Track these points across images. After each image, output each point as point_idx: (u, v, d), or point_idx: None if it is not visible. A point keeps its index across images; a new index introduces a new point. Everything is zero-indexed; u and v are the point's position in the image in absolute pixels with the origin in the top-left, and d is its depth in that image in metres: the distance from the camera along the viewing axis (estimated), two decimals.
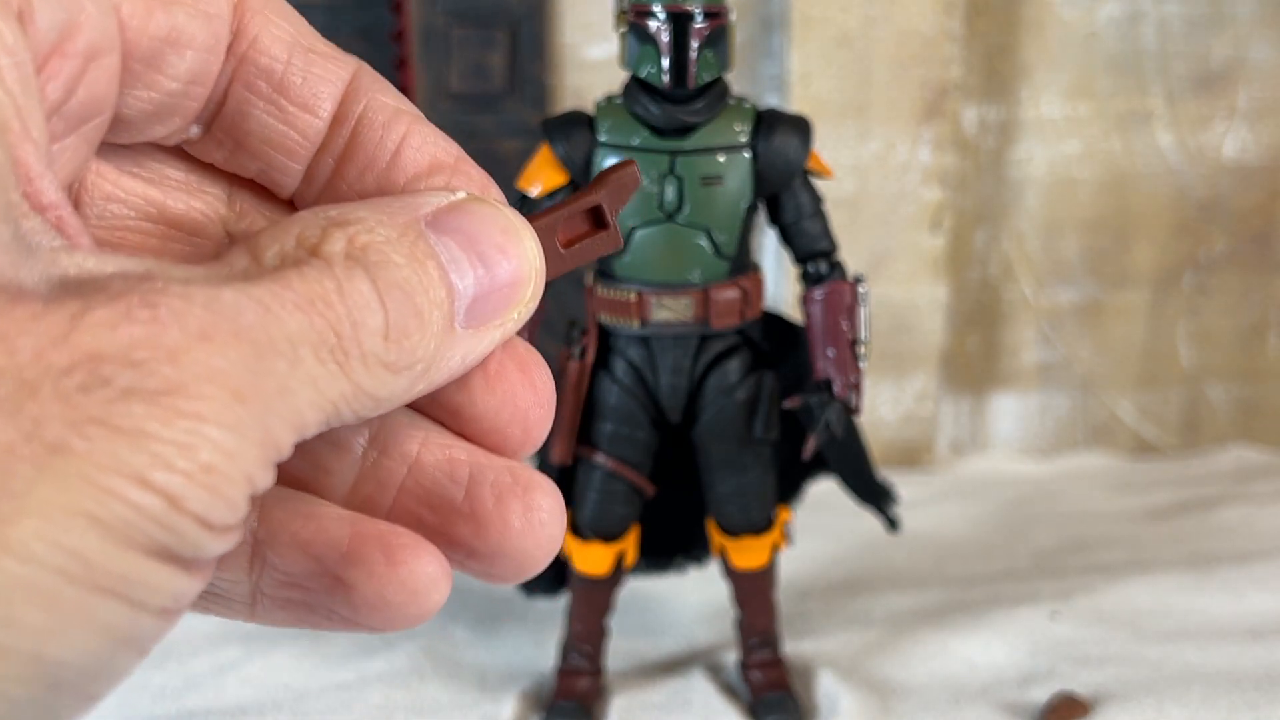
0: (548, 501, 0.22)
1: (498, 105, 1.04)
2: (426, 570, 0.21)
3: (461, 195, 0.21)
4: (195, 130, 0.22)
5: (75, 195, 0.21)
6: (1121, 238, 1.12)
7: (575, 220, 0.23)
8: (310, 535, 0.21)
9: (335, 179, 0.22)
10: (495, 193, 0.22)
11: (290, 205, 0.23)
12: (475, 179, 0.22)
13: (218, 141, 0.22)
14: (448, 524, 0.22)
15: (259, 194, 0.23)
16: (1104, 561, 0.90)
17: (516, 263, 0.21)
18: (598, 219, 0.23)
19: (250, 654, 0.76)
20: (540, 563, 0.22)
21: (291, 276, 0.18)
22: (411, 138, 0.22)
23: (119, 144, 0.21)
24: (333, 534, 0.21)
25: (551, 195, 0.66)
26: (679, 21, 0.61)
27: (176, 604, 0.17)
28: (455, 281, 0.20)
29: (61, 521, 0.15)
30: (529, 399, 0.22)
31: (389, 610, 0.21)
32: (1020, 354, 1.15)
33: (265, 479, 0.17)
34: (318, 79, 0.22)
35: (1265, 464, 1.13)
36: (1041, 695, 0.71)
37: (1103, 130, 1.09)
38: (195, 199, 0.23)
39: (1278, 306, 1.15)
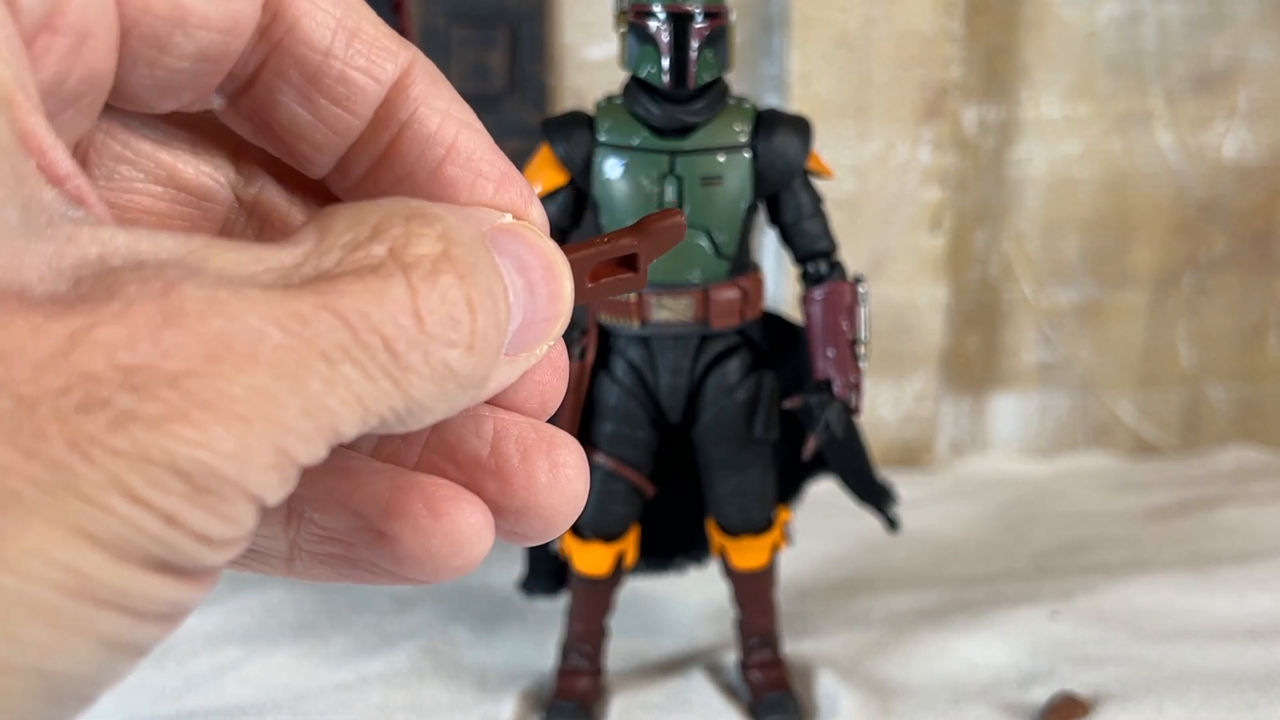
0: (573, 458, 0.22)
1: (498, 105, 1.04)
2: (471, 520, 0.21)
3: (508, 219, 0.21)
4: (219, 102, 0.21)
5: (84, 155, 0.21)
6: (1121, 238, 1.12)
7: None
8: (348, 490, 0.21)
9: (369, 180, 0.22)
10: (537, 209, 0.22)
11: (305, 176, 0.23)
12: (519, 196, 0.22)
13: (244, 117, 0.21)
14: (473, 480, 0.22)
15: (270, 160, 0.23)
16: (1104, 561, 0.90)
17: (557, 297, 0.21)
18: (628, 258, 0.23)
19: (250, 654, 0.76)
20: (567, 519, 0.22)
21: (349, 283, 0.17)
22: (456, 153, 0.21)
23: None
24: (372, 488, 0.21)
25: (552, 195, 0.66)
26: (679, 21, 0.61)
27: (177, 610, 0.17)
28: (512, 302, 0.20)
29: (58, 538, 0.15)
30: (547, 373, 0.22)
31: (433, 562, 0.21)
32: (1020, 354, 1.15)
33: (279, 493, 0.17)
34: (359, 74, 0.20)
35: (1265, 464, 1.13)
36: (1041, 695, 0.71)
37: (1103, 130, 1.09)
38: (205, 163, 0.22)
39: (1278, 306, 1.15)
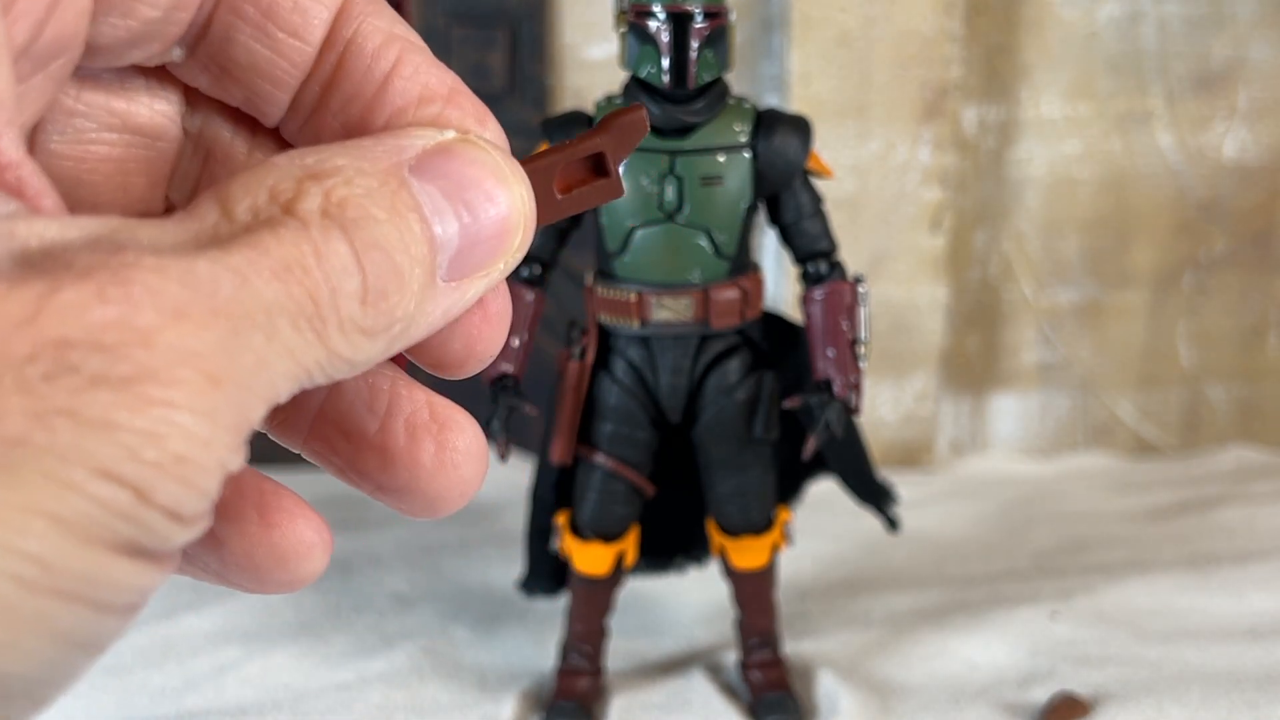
0: (463, 442, 0.21)
1: (498, 105, 1.04)
2: (301, 537, 0.20)
3: (450, 135, 0.20)
4: (178, 53, 0.21)
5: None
6: (1121, 238, 1.12)
7: (575, 166, 0.22)
8: None
9: (320, 109, 0.21)
10: (493, 125, 0.21)
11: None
12: (470, 112, 0.21)
13: (202, 66, 0.21)
14: (359, 454, 0.21)
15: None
16: (1104, 561, 0.90)
17: (504, 211, 0.20)
18: (599, 165, 0.22)
19: (250, 654, 0.76)
20: (454, 504, 0.21)
21: (267, 240, 0.17)
22: (402, 66, 0.21)
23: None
24: None
25: None
26: (679, 21, 0.61)
27: (141, 599, 0.16)
28: (438, 233, 0.19)
29: (18, 523, 0.14)
30: (475, 317, 0.21)
31: (256, 573, 0.20)
32: (1020, 354, 1.15)
33: (237, 461, 0.16)
34: (310, 2, 0.20)
35: (1265, 464, 1.13)
36: (1041, 695, 0.71)
37: (1103, 130, 1.09)
38: (157, 101, 0.22)
39: (1278, 306, 1.15)
